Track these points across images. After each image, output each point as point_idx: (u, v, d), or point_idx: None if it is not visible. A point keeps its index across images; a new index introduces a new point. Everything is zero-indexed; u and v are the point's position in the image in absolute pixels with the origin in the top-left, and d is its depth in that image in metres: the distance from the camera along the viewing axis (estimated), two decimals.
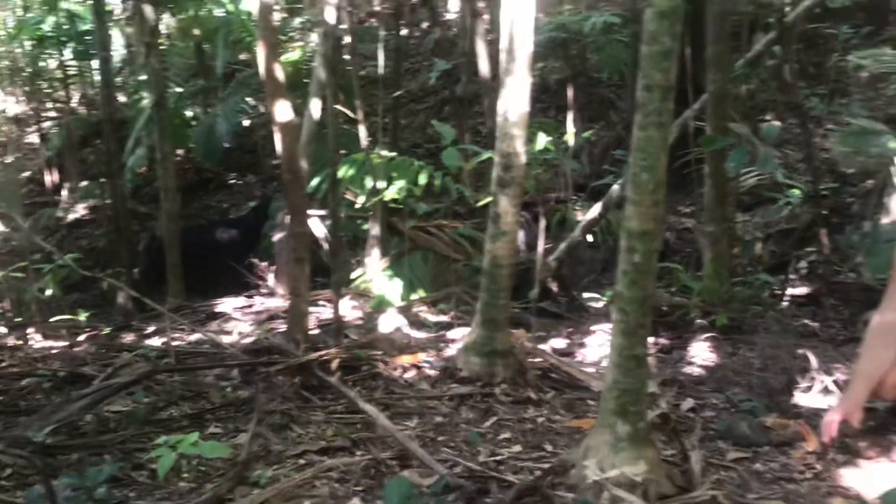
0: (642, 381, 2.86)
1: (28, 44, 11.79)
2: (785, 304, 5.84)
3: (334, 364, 4.14)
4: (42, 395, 4.17)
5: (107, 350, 5.14)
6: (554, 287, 6.48)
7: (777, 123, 6.39)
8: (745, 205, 7.92)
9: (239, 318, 6.30)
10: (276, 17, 11.40)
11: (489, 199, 4.19)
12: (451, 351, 4.52)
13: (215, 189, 11.39)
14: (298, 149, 4.84)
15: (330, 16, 6.33)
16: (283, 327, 5.25)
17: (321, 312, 5.81)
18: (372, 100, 8.59)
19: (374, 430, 3.45)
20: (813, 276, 6.19)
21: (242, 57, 11.27)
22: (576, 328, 5.56)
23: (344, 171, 7.02)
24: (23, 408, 3.93)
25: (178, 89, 10.93)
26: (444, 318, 5.76)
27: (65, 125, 11.79)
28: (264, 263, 7.25)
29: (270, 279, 7.14)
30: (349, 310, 6.01)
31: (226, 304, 6.80)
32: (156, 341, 5.50)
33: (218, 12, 11.78)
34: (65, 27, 10.60)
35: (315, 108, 6.96)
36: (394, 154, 7.35)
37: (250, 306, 6.76)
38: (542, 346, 4.79)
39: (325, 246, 7.18)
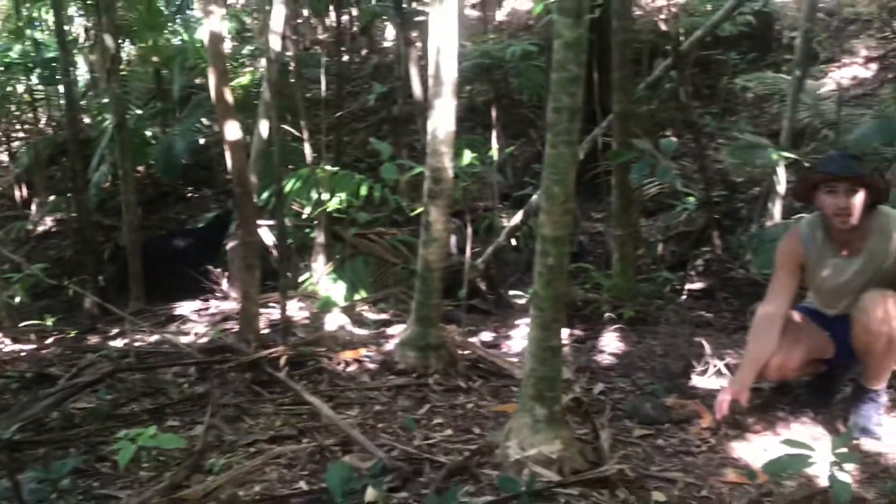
0: (557, 369, 2.88)
1: None
2: (684, 297, 5.95)
3: (282, 360, 4.08)
4: (10, 395, 4.02)
5: (72, 352, 4.97)
6: (482, 286, 6.49)
7: (675, 139, 6.47)
8: (649, 211, 8.09)
9: (195, 320, 6.16)
10: (227, 45, 11.28)
11: (421, 209, 4.18)
12: (389, 346, 4.48)
13: (174, 202, 11.21)
14: (248, 165, 4.77)
15: (276, 44, 6.28)
16: (235, 328, 5.15)
17: (271, 313, 5.72)
18: (316, 119, 8.51)
19: (318, 419, 3.41)
20: (708, 273, 6.29)
21: (198, 81, 11.08)
22: (502, 323, 5.57)
23: (291, 185, 6.97)
24: None
25: (139, 111, 10.69)
26: (383, 317, 5.72)
27: (33, 145, 11.47)
28: (219, 269, 7.13)
29: (224, 284, 7.02)
30: (297, 311, 5.93)
31: (184, 308, 6.65)
32: (118, 343, 5.34)
33: (175, 41, 11.64)
34: (31, 54, 10.32)
35: (263, 127, 6.91)
36: (337, 168, 7.30)
37: (206, 309, 6.62)
38: (471, 340, 4.79)
39: (274, 253, 7.10)
